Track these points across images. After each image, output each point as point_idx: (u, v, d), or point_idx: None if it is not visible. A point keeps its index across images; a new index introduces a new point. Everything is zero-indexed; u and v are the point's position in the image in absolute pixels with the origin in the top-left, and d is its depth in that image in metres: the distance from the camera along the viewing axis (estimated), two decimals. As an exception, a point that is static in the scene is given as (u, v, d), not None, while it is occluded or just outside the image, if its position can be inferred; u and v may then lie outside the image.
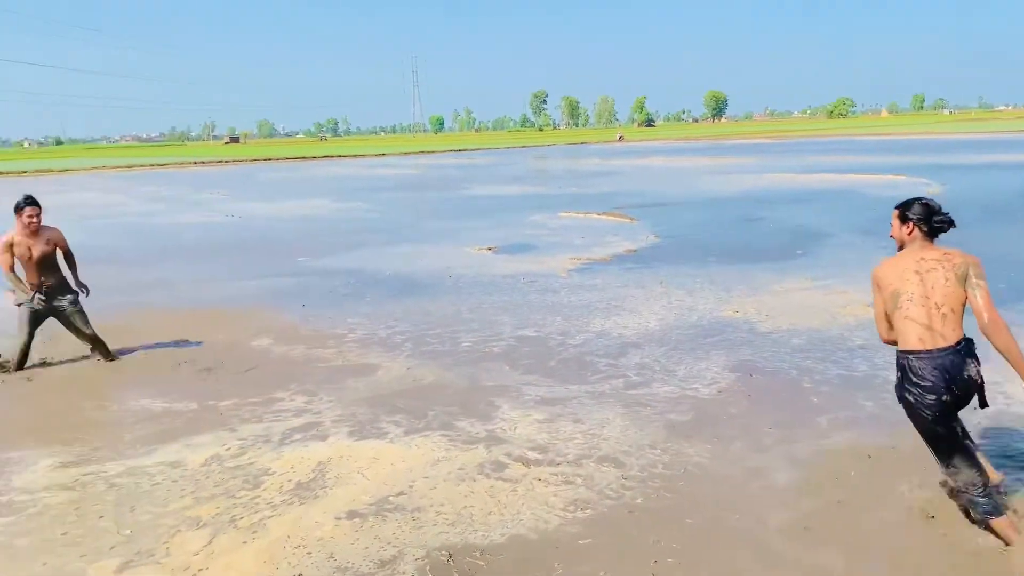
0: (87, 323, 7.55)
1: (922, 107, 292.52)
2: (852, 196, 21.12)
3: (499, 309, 9.37)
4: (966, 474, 3.85)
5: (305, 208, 23.74)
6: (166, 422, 6.03)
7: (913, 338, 3.80)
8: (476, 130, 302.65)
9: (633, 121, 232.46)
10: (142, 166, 59.64)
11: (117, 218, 22.38)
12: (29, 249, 7.17)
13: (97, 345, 7.64)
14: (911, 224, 4.00)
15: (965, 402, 3.83)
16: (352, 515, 4.40)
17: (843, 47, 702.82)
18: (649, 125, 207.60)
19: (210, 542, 4.18)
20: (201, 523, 4.39)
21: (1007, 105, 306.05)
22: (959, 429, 3.90)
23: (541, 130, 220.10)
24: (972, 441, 4.05)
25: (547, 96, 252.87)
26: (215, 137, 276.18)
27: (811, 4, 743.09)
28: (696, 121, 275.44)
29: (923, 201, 4.01)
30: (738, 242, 14.07)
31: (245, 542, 4.16)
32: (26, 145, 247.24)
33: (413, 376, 6.95)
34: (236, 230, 18.74)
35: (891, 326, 3.97)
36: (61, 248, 7.49)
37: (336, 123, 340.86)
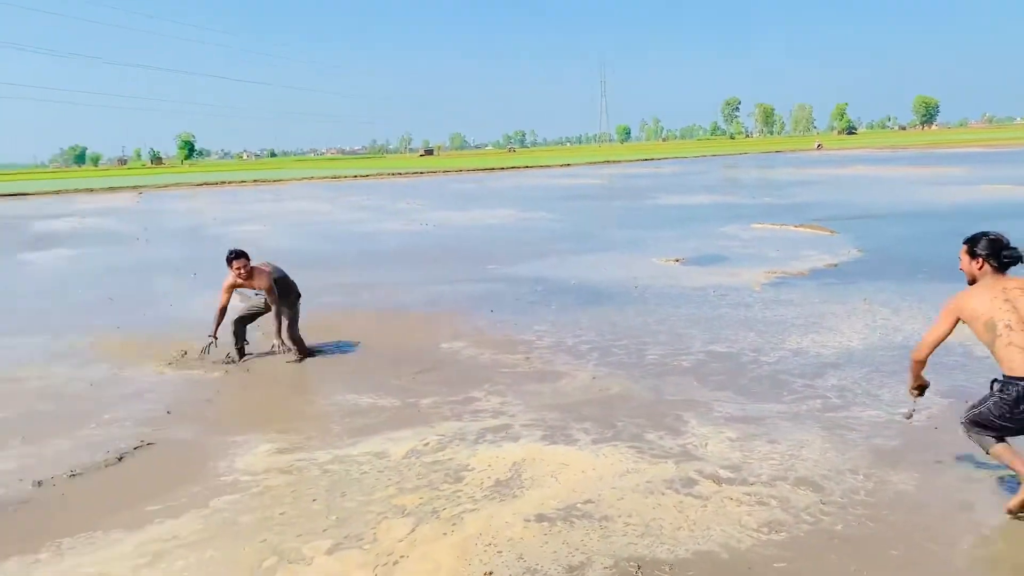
0: (293, 320, 8.29)
1: None
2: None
3: (688, 322, 9.22)
4: None
5: (493, 217, 24.46)
6: (371, 416, 6.44)
7: (1020, 363, 4.07)
8: (664, 139, 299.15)
9: (832, 129, 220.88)
10: (345, 177, 63.82)
11: (326, 225, 24.07)
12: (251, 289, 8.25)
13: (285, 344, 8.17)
14: (980, 260, 4.34)
15: None
16: (541, 518, 4.49)
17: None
18: (850, 133, 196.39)
19: (413, 530, 4.42)
20: (406, 511, 4.65)
21: None
22: None
23: (733, 138, 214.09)
24: None
25: (740, 103, 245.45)
26: (411, 149, 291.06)
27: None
28: (903, 129, 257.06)
29: (991, 236, 4.33)
30: (950, 258, 12.92)
31: (444, 533, 4.37)
32: (244, 157, 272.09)
33: (600, 385, 6.98)
34: (431, 238, 19.62)
35: (994, 354, 4.21)
36: (267, 292, 8.15)
37: (523, 134, 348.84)
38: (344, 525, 4.53)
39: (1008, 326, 4.10)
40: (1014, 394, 4.10)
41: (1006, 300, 4.16)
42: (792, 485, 4.79)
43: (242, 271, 8.00)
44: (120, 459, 5.75)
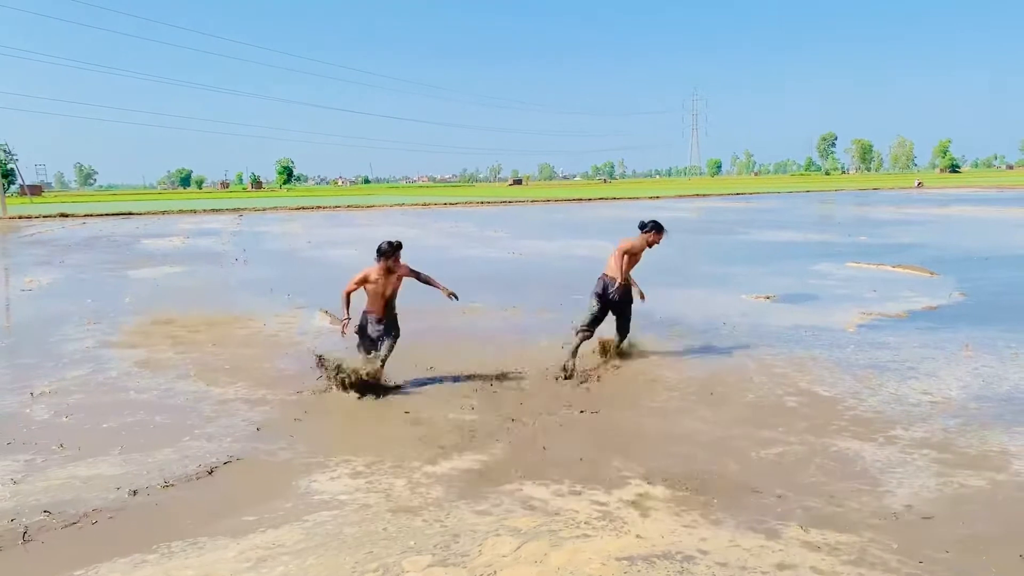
0: (388, 354, 8.43)
1: None
2: None
3: (783, 361, 9.09)
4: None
5: (581, 248, 24.53)
6: (468, 435, 6.62)
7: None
8: (756, 173, 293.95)
9: (934, 167, 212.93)
10: (435, 204, 65.08)
11: (416, 251, 24.60)
12: (383, 287, 8.47)
13: (379, 371, 8.26)
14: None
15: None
16: (623, 558, 4.54)
17: None
18: (953, 171, 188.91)
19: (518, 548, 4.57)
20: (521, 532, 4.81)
21: None
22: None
23: (828, 174, 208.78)
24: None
25: (836, 139, 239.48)
26: (500, 179, 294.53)
27: None
28: (1011, 168, 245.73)
29: None
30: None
31: (546, 554, 4.51)
32: (339, 183, 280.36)
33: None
34: (518, 265, 19.82)
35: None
36: (407, 275, 8.64)
37: (612, 165, 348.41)
38: (449, 544, 4.70)
39: None
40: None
41: None
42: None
43: (394, 261, 8.42)
44: (211, 472, 6.03)
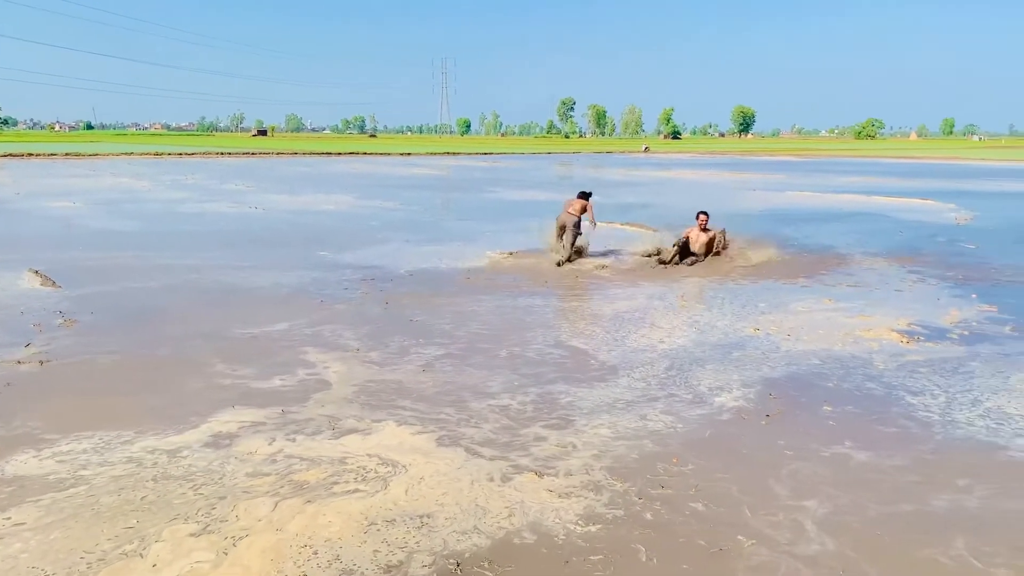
0: (574, 240, 13.08)
1: (952, 132, 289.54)
2: (878, 219, 20.91)
3: (498, 313, 9.34)
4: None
5: (329, 203, 23.80)
6: (198, 403, 6.05)
7: None
8: (503, 134, 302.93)
9: (659, 133, 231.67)
10: (169, 154, 60.16)
11: (146, 204, 22.53)
12: (580, 207, 13.28)
13: (571, 256, 13.07)
14: None
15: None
16: (364, 516, 4.38)
17: (873, 67, 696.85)
18: (675, 138, 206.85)
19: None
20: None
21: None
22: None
23: (567, 137, 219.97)
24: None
25: (574, 104, 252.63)
26: (243, 129, 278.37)
27: (841, 23, 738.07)
28: (723, 136, 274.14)
29: None
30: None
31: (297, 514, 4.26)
32: (57, 128, 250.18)
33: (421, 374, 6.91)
34: (261, 221, 18.80)
35: None
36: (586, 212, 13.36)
37: (363, 120, 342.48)
38: (208, 511, 4.22)
39: None
40: None
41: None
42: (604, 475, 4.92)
43: (583, 204, 13.30)
44: None
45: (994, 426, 5.89)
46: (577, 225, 13.21)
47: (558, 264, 12.90)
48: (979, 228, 18.95)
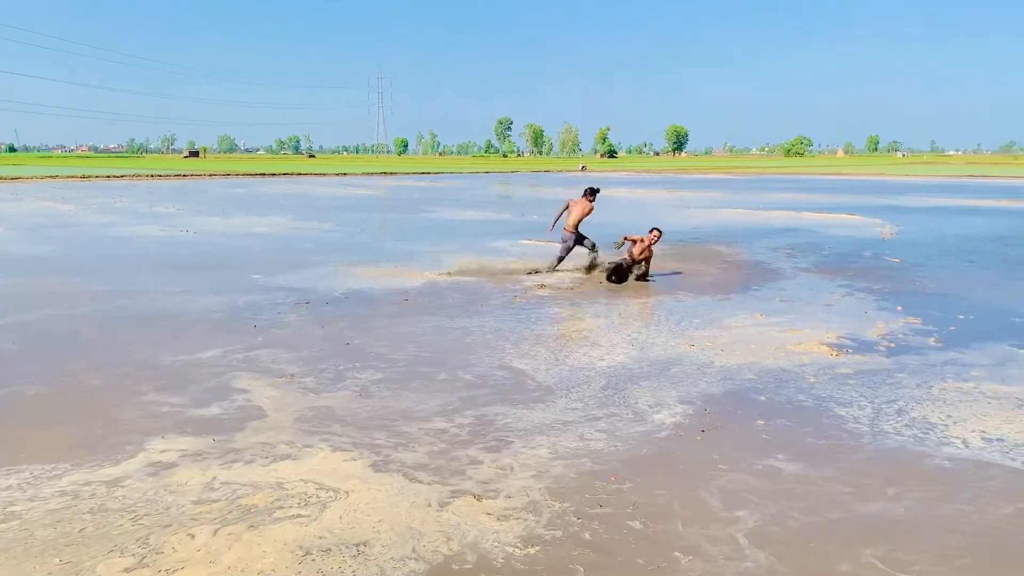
0: (594, 248, 13.87)
1: (876, 148, 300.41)
2: (808, 234, 21.52)
3: (447, 333, 9.31)
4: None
5: (263, 225, 23.44)
6: (132, 432, 5.85)
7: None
8: (440, 153, 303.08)
9: (596, 152, 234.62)
10: (97, 177, 58.49)
11: (72, 228, 21.84)
12: (581, 211, 13.86)
13: (591, 267, 13.72)
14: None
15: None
16: (299, 546, 4.29)
17: (800, 86, 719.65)
18: (611, 156, 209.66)
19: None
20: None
21: (957, 150, 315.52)
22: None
23: (505, 156, 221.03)
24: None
25: (512, 123, 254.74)
26: (174, 150, 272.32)
27: (767, 46, 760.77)
28: (657, 154, 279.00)
29: None
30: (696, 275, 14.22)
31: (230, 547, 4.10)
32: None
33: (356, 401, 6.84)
34: (192, 245, 18.40)
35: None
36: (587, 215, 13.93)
37: (298, 140, 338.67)
38: (144, 543, 4.06)
39: None
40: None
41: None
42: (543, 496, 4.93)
43: (591, 202, 13.94)
44: None
45: (920, 435, 6.08)
46: (579, 240, 13.62)
47: (533, 272, 13.59)
48: (904, 242, 19.67)
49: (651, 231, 13.27)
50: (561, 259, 13.79)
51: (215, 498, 4.89)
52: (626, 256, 13.16)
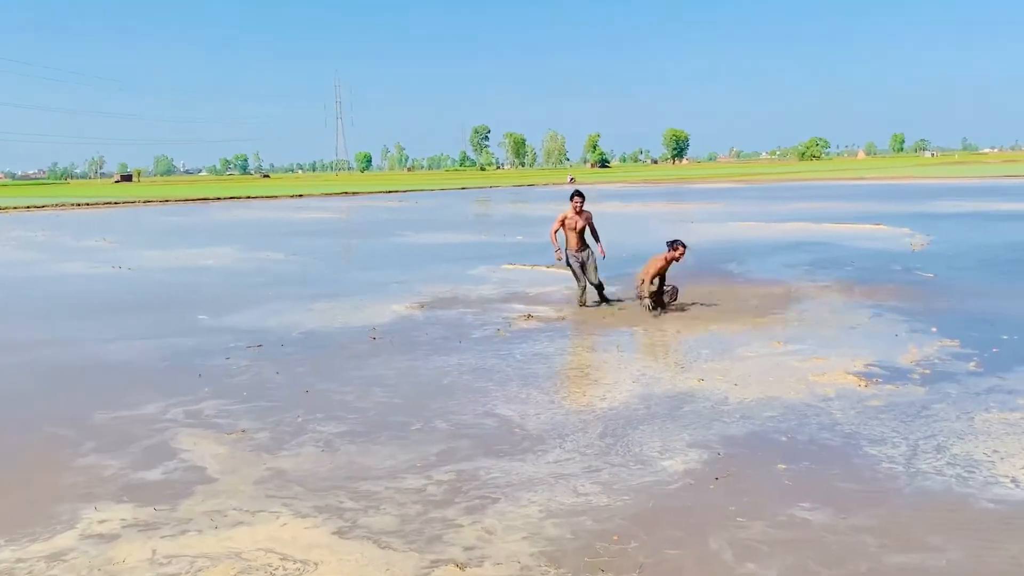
0: (596, 271, 13.59)
1: (902, 148, 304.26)
2: (828, 248, 21.69)
3: (429, 376, 9.30)
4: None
5: (208, 257, 23.41)
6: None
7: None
8: (409, 168, 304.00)
9: (586, 161, 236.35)
10: (14, 208, 58.25)
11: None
12: (576, 223, 13.58)
13: (599, 288, 13.66)
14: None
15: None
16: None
17: (815, 83, 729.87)
18: (603, 166, 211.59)
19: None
20: None
21: (992, 147, 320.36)
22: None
23: (483, 169, 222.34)
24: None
25: (489, 132, 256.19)
26: (103, 175, 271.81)
27: (778, 36, 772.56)
28: (655, 162, 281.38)
29: None
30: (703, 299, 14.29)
31: None
32: None
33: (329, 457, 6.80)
34: (126, 283, 18.32)
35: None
36: (589, 223, 13.70)
37: (246, 158, 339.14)
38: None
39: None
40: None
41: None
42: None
43: (579, 204, 13.65)
44: None
45: (964, 475, 6.10)
46: (587, 257, 13.45)
47: (581, 304, 13.45)
48: (937, 253, 19.86)
49: (675, 246, 12.79)
50: (578, 277, 13.55)
51: (171, 573, 4.83)
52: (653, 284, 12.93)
